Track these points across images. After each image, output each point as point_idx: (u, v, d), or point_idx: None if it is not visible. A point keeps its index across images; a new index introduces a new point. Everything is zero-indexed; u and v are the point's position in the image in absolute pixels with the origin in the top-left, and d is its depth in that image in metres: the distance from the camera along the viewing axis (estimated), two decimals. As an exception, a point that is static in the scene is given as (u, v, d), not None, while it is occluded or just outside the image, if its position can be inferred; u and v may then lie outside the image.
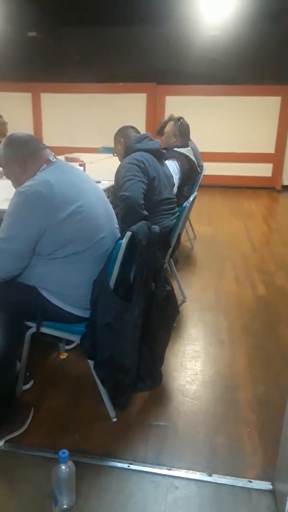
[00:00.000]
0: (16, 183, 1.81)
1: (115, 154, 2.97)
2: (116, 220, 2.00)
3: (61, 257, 1.73)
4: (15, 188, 1.77)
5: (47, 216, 1.64)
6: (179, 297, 3.13)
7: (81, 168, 3.20)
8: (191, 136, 3.96)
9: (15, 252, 1.68)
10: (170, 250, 2.87)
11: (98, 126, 8.00)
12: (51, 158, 1.80)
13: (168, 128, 3.76)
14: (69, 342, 2.42)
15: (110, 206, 1.97)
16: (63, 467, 1.38)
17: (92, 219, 1.77)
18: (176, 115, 3.89)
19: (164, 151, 3.15)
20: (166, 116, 4.06)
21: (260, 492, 1.58)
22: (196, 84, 7.97)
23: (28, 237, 1.67)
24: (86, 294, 1.77)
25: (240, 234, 5.11)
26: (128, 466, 1.68)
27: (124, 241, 1.72)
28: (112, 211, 1.98)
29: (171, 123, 3.76)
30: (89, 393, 2.05)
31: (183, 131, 3.75)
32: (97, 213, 1.80)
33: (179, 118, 3.76)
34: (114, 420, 1.92)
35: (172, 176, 3.08)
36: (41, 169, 1.77)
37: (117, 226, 1.98)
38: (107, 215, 1.89)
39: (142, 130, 2.94)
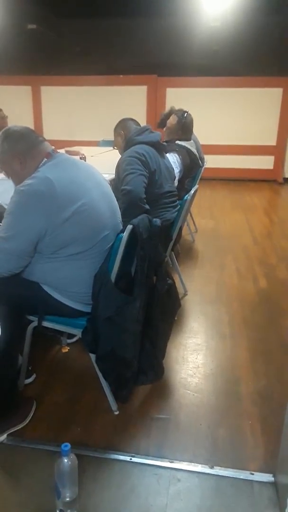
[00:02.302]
0: (16, 179, 1.77)
1: (115, 147, 2.95)
2: (120, 214, 1.96)
3: (64, 256, 1.72)
4: (16, 185, 1.73)
5: (48, 217, 1.62)
6: (180, 291, 3.13)
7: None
8: (193, 129, 3.93)
9: (16, 252, 1.67)
10: (171, 243, 2.86)
11: (98, 119, 7.96)
12: (51, 151, 1.77)
13: (172, 121, 3.71)
14: (70, 336, 2.42)
15: (114, 199, 1.94)
16: (66, 460, 1.38)
17: (94, 218, 1.74)
18: (177, 107, 3.86)
19: (165, 143, 3.13)
20: (167, 109, 4.03)
21: (262, 484, 1.59)
22: (197, 76, 7.91)
23: (29, 237, 1.65)
24: (89, 290, 1.76)
25: (242, 227, 5.09)
26: (130, 459, 1.69)
27: (125, 235, 1.71)
28: (116, 205, 1.95)
29: (175, 117, 3.70)
30: (91, 387, 2.06)
31: (187, 127, 3.70)
32: (100, 210, 1.77)
33: (184, 113, 3.70)
34: (116, 413, 1.92)
35: (173, 168, 3.07)
36: (41, 164, 1.73)
37: (121, 220, 1.95)
38: (110, 211, 1.85)
39: (143, 123, 2.92)
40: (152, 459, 1.69)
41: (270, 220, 5.56)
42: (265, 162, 8.18)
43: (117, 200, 1.98)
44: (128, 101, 8.03)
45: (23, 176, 1.71)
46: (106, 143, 5.84)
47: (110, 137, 3.04)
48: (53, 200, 1.62)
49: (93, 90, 8.28)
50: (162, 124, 3.89)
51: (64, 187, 1.65)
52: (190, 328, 2.73)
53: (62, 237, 1.67)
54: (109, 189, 1.92)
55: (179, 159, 3.49)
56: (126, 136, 2.77)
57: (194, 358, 2.40)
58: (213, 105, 7.89)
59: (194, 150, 3.73)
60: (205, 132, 5.09)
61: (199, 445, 1.77)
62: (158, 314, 1.92)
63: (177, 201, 2.90)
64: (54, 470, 1.39)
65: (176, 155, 3.48)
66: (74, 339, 2.45)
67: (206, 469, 1.65)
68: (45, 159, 1.74)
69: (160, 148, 2.83)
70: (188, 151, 3.64)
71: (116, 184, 2.69)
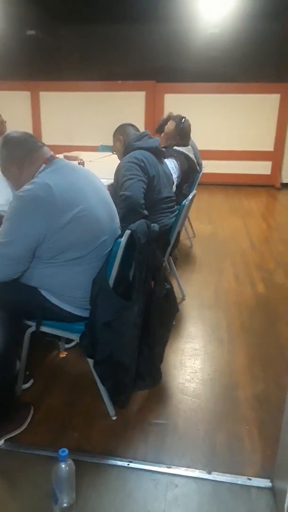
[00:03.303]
0: (15, 184, 1.79)
1: (114, 152, 2.96)
2: (118, 219, 1.97)
3: (62, 261, 1.72)
4: (15, 189, 1.75)
5: (46, 223, 1.62)
6: (178, 295, 3.13)
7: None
8: (191, 134, 3.95)
9: (14, 257, 1.67)
10: (169, 248, 2.87)
11: (97, 124, 7.98)
12: (49, 157, 1.77)
13: (170, 127, 3.74)
14: (68, 341, 2.42)
15: (112, 204, 1.94)
16: (63, 466, 1.38)
17: (93, 224, 1.74)
18: (175, 113, 3.88)
19: (164, 149, 3.15)
20: (165, 114, 4.05)
21: (260, 490, 1.59)
22: (196, 82, 7.95)
23: (27, 243, 1.65)
24: (87, 295, 1.76)
25: (240, 232, 5.11)
26: (128, 464, 1.69)
27: (123, 240, 1.71)
28: (115, 210, 1.95)
29: (173, 123, 3.73)
30: (88, 392, 2.06)
31: (185, 133, 3.73)
32: (98, 216, 1.77)
33: (182, 118, 3.73)
34: (114, 418, 1.92)
35: (171, 174, 3.08)
36: (40, 169, 1.73)
37: (119, 225, 1.96)
38: (109, 216, 1.85)
39: (141, 128, 2.93)
40: (149, 465, 1.69)
41: (267, 225, 5.57)
42: (263, 168, 8.20)
43: (116, 206, 1.99)
44: (127, 106, 8.06)
45: (22, 182, 1.72)
46: (104, 148, 5.86)
47: (109, 142, 3.06)
48: (52, 205, 1.62)
49: (92, 96, 8.30)
50: (160, 129, 3.91)
51: (63, 193, 1.65)
52: (188, 333, 2.73)
53: (61, 243, 1.67)
54: (107, 195, 1.93)
55: (177, 165, 3.50)
56: (125, 141, 2.78)
57: (192, 363, 2.40)
58: (211, 111, 7.93)
59: (192, 155, 3.75)
60: (203, 137, 5.11)
61: (197, 451, 1.77)
62: (156, 319, 1.92)
63: (175, 206, 2.91)
64: (51, 475, 1.39)
65: (174, 160, 3.50)
66: (72, 344, 2.45)
67: (204, 475, 1.65)
68: (44, 165, 1.75)
69: (159, 153, 2.85)
70: (186, 156, 3.66)
71: (115, 189, 2.70)
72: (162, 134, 3.81)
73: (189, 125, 3.77)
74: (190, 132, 3.82)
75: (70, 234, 1.67)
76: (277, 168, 8.19)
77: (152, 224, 1.89)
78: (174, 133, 3.70)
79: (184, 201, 2.82)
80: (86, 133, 8.20)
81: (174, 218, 2.83)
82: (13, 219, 1.65)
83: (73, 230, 1.67)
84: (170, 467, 1.68)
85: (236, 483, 1.61)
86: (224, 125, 8.05)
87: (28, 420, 1.88)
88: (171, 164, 3.37)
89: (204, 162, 4.35)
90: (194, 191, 3.26)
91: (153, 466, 1.68)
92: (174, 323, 2.40)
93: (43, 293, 1.78)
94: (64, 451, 1.39)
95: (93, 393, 1.98)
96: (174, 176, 3.37)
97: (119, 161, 2.75)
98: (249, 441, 1.83)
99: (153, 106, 8.15)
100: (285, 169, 8.24)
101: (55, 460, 1.40)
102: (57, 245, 1.68)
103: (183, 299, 3.21)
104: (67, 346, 2.45)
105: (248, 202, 6.89)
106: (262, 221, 5.76)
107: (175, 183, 3.38)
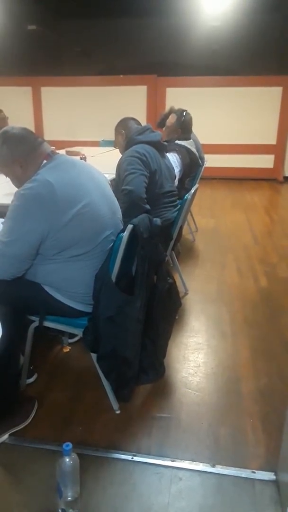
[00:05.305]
0: (17, 182, 1.76)
1: (116, 147, 2.95)
2: (120, 214, 1.97)
3: (66, 257, 1.72)
4: (16, 187, 1.72)
5: (48, 221, 1.61)
6: (181, 290, 3.13)
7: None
8: (193, 128, 3.93)
9: (17, 256, 1.67)
10: (172, 242, 2.87)
11: (99, 119, 7.96)
12: (50, 152, 1.76)
13: (171, 120, 3.72)
14: (72, 335, 2.42)
15: (115, 199, 1.94)
16: (67, 460, 1.38)
17: (95, 220, 1.74)
18: (177, 107, 3.86)
19: (166, 143, 3.13)
20: (167, 108, 4.04)
21: (264, 483, 1.59)
22: (197, 76, 7.91)
23: (30, 242, 1.64)
24: (90, 290, 1.76)
25: (242, 226, 5.09)
26: (132, 458, 1.69)
27: (125, 234, 1.71)
28: (117, 205, 1.95)
29: (174, 116, 3.72)
30: (92, 386, 2.06)
31: (186, 126, 3.72)
32: (101, 212, 1.77)
33: (183, 111, 3.71)
34: (118, 412, 1.93)
35: (173, 168, 3.06)
36: (41, 165, 1.72)
37: (121, 220, 1.95)
38: (111, 211, 1.85)
39: (143, 123, 2.91)
40: (153, 458, 1.69)
41: (270, 219, 5.55)
42: (265, 161, 8.16)
43: (117, 200, 1.98)
44: (128, 101, 8.03)
45: (24, 179, 1.70)
46: (106, 143, 5.85)
47: (111, 137, 3.04)
48: (54, 203, 1.61)
49: (93, 90, 8.27)
50: (161, 124, 3.89)
51: (65, 190, 1.65)
52: (191, 327, 2.73)
53: (64, 240, 1.67)
54: (109, 189, 1.92)
55: (179, 159, 3.49)
56: (127, 135, 2.77)
57: (195, 357, 2.40)
58: (213, 104, 7.88)
59: (193, 149, 3.74)
60: (205, 131, 5.09)
61: (201, 444, 1.77)
62: (159, 313, 1.92)
63: (178, 201, 2.90)
64: (55, 469, 1.40)
65: (176, 154, 3.49)
66: (75, 339, 2.45)
67: (208, 468, 1.65)
68: (45, 161, 1.73)
69: (161, 147, 2.83)
70: (188, 150, 3.64)
71: (116, 184, 2.69)
72: (164, 128, 3.79)
73: (191, 118, 3.76)
74: (191, 125, 3.81)
75: (73, 231, 1.67)
76: (279, 161, 8.15)
77: (154, 219, 1.88)
78: (176, 127, 3.68)
79: (186, 195, 2.81)
80: (88, 128, 8.18)
81: (176, 213, 2.83)
82: (15, 218, 1.64)
83: (76, 226, 1.66)
84: (174, 461, 1.68)
85: (240, 476, 1.61)
86: (226, 118, 8.01)
87: (32, 414, 1.89)
88: (173, 158, 3.36)
89: (206, 156, 4.33)
90: (196, 185, 3.25)
91: (157, 459, 1.69)
92: (177, 317, 2.40)
93: (46, 288, 1.78)
94: (68, 445, 1.39)
95: (96, 387, 1.99)
96: (176, 170, 3.36)
97: (121, 156, 2.74)
98: (252, 434, 1.83)
99: (154, 100, 8.11)
100: (288, 162, 8.20)
101: (59, 454, 1.40)
102: (61, 242, 1.67)
103: (186, 293, 3.20)
104: (70, 341, 2.45)
105: (250, 196, 6.87)
106: (265, 215, 5.74)
107: (177, 177, 3.36)
